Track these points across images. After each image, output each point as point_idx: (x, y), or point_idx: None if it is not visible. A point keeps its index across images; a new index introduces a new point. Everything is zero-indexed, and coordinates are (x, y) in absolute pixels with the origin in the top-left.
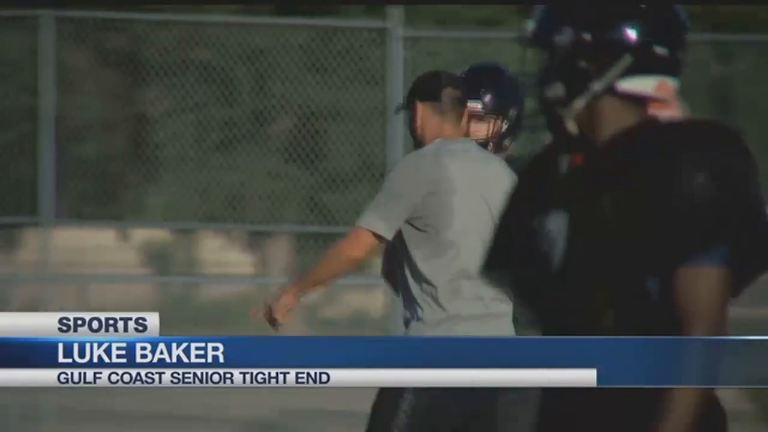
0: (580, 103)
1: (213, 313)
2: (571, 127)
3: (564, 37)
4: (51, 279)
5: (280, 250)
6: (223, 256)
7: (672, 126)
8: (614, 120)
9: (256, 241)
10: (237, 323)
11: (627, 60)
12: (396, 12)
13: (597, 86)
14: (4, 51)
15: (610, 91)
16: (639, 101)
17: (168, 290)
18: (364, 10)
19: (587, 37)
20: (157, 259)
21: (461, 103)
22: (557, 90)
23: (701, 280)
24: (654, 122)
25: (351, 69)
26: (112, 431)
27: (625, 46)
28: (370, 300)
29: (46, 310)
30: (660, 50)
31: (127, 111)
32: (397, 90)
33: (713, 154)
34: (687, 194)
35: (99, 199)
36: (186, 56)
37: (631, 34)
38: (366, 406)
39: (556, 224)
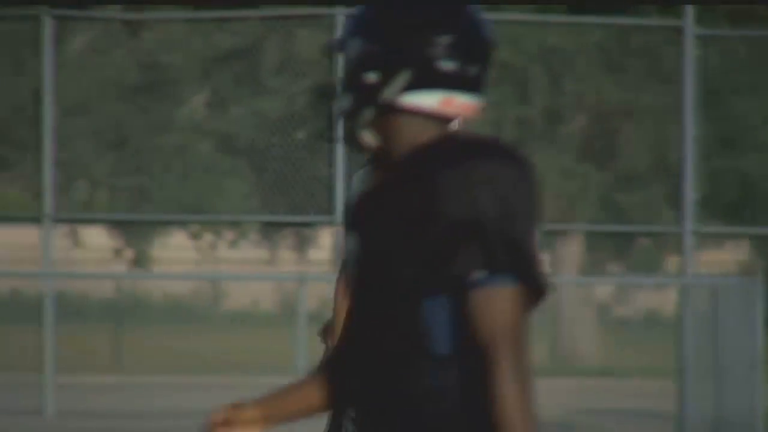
0: (367, 116)
1: None
2: (367, 140)
3: (354, 48)
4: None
5: (574, 249)
6: None
7: (458, 142)
8: (408, 135)
9: (549, 239)
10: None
11: (406, 74)
12: (690, 10)
13: (381, 99)
14: (301, 49)
15: (395, 105)
16: (438, 117)
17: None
18: (657, 8)
19: (375, 48)
20: None
21: None
22: (345, 101)
23: (494, 301)
24: (446, 139)
25: (645, 67)
26: None
27: (407, 60)
28: (662, 300)
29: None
30: (446, 65)
31: None
32: (690, 89)
33: (489, 172)
34: (462, 214)
35: None
36: None
37: (417, 48)
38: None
39: (352, 246)
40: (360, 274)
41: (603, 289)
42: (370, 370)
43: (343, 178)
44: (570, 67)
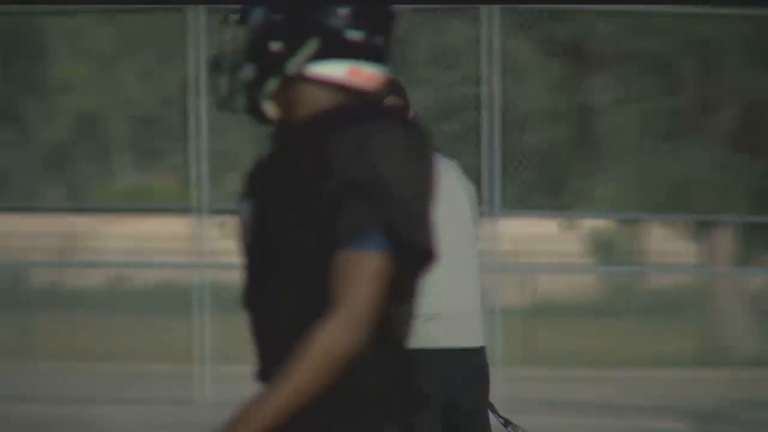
0: (272, 86)
1: (658, 302)
2: (269, 110)
3: (257, 17)
4: (498, 269)
5: (726, 240)
6: (668, 246)
7: (350, 109)
8: (313, 105)
9: (701, 231)
10: (683, 313)
11: (314, 43)
12: None
13: (288, 69)
14: (449, 41)
15: (302, 74)
16: (340, 87)
17: (613, 280)
18: None
19: (279, 17)
20: (603, 249)
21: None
22: (248, 71)
23: (352, 264)
24: (340, 106)
25: None
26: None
27: (313, 29)
28: None
29: (492, 298)
30: (353, 35)
31: (572, 101)
32: None
33: (375, 136)
34: (340, 177)
35: (544, 188)
36: (631, 46)
37: (322, 17)
38: None
39: (246, 213)
40: (254, 240)
41: (755, 280)
42: (264, 335)
43: (498, 169)
44: (721, 58)
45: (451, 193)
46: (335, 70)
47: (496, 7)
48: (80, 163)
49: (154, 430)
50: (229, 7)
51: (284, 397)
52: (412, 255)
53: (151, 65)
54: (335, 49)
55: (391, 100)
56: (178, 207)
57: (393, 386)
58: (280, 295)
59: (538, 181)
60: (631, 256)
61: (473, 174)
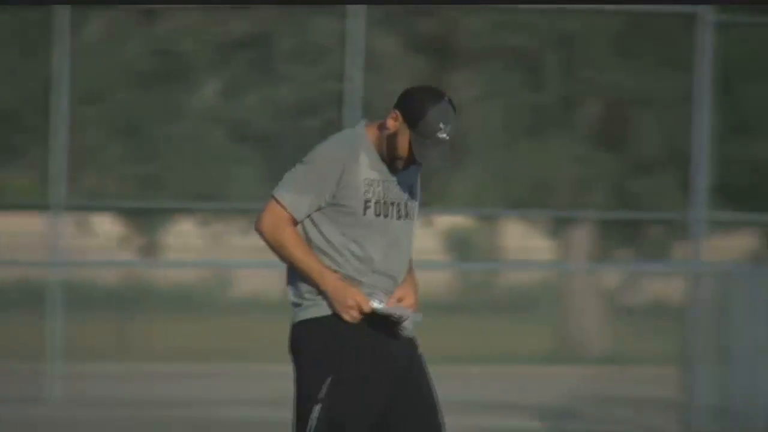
0: None
1: (514, 299)
2: None
3: None
4: None
5: (582, 237)
6: (527, 243)
7: None
8: None
9: (560, 227)
10: (538, 310)
11: None
12: None
13: None
14: (312, 36)
15: None
16: None
17: (469, 277)
18: None
19: None
20: (460, 246)
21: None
22: None
23: None
24: None
25: (659, 54)
26: None
27: None
28: (670, 287)
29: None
30: None
31: None
32: (706, 76)
33: None
34: None
35: None
36: (495, 41)
37: None
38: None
39: None
40: None
41: (611, 277)
42: None
43: None
44: (585, 53)
45: None
46: None
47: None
48: None
49: (3, 428)
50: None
51: None
52: None
53: (13, 62)
54: None
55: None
56: (35, 204)
57: None
58: None
59: None
60: (489, 252)
61: None
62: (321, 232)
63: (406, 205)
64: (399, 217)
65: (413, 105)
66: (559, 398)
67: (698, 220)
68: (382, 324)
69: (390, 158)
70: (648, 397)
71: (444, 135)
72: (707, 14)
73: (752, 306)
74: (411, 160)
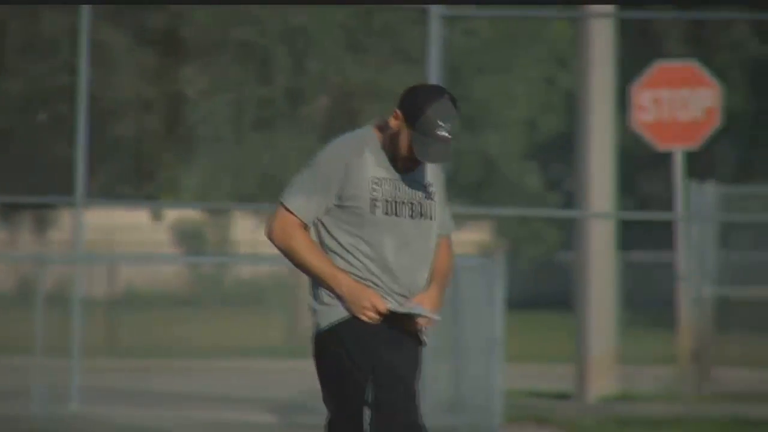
0: None
1: (244, 292)
2: None
3: None
4: (83, 259)
5: None
6: (257, 236)
7: None
8: None
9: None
10: (269, 303)
11: None
12: None
13: None
14: (43, 30)
15: None
16: None
17: (199, 270)
18: None
19: None
20: (190, 239)
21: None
22: None
23: None
24: None
25: (389, 48)
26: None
27: None
28: None
29: (77, 289)
30: None
31: (163, 90)
32: (435, 69)
33: None
34: None
35: (133, 178)
36: (224, 35)
37: None
38: None
39: None
40: None
41: None
42: None
43: (85, 159)
44: (313, 47)
45: None
46: None
47: None
48: None
49: None
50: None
51: None
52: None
53: None
54: None
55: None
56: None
57: None
58: None
59: (127, 171)
60: (219, 246)
61: (64, 162)
62: (332, 235)
63: (421, 205)
64: (413, 217)
65: (412, 103)
66: (290, 392)
67: None
68: (399, 324)
69: (395, 158)
70: None
71: (444, 133)
72: (436, 8)
73: (484, 298)
74: (414, 160)
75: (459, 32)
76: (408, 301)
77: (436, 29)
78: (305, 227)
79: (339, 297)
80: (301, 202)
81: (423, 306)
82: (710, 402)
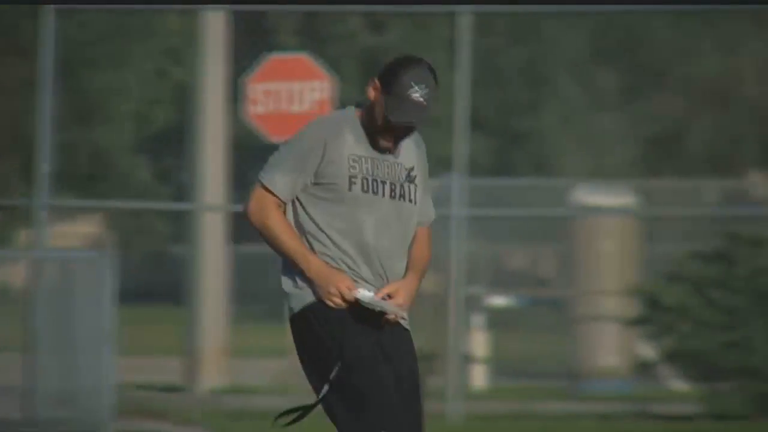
0: None
1: None
2: None
3: None
4: None
5: None
6: None
7: None
8: None
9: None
10: None
11: None
12: None
13: None
14: None
15: None
16: None
17: None
18: None
19: None
20: None
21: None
22: None
23: None
24: None
25: (2, 41)
26: None
27: None
28: (12, 274)
29: None
30: None
31: None
32: (48, 63)
33: None
34: None
35: None
36: None
37: None
38: None
39: None
40: None
41: None
42: None
43: None
44: None
45: None
46: None
47: None
48: None
49: None
50: None
51: None
52: None
53: None
54: None
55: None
56: None
57: None
58: None
59: None
60: None
61: None
62: (307, 213)
63: (402, 187)
64: (393, 197)
65: (389, 69)
66: None
67: (41, 207)
68: (367, 313)
69: (374, 134)
70: None
71: (418, 95)
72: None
73: (94, 292)
74: (391, 134)
75: (75, 25)
76: (377, 293)
77: (49, 22)
78: (283, 205)
79: (309, 279)
80: (278, 179)
81: (398, 295)
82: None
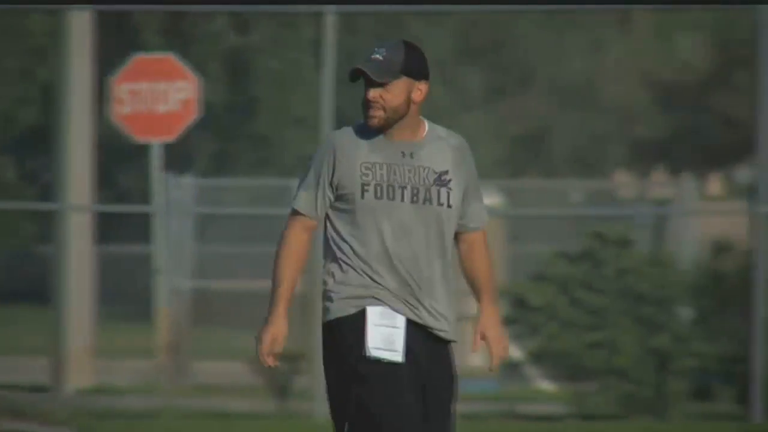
0: None
1: None
2: None
3: None
4: None
5: None
6: None
7: None
8: None
9: None
10: None
11: None
12: None
13: None
14: None
15: None
16: None
17: None
18: None
19: None
20: None
21: None
22: None
23: None
24: None
25: None
26: None
27: None
28: None
29: None
30: None
31: None
32: None
33: None
34: None
35: None
36: None
37: None
38: None
39: None
40: None
41: None
42: None
43: None
44: None
45: None
46: None
47: None
48: None
49: None
50: None
51: None
52: None
53: None
54: None
55: None
56: None
57: None
58: None
59: None
60: None
61: None
62: (334, 227)
63: (429, 191)
64: (414, 201)
65: (423, 62)
66: None
67: None
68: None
69: (391, 132)
70: None
71: (374, 55)
72: None
73: None
74: (365, 105)
75: None
76: (476, 338)
77: None
78: (313, 223)
79: (341, 289)
80: (301, 196)
81: (496, 343)
82: (188, 395)
